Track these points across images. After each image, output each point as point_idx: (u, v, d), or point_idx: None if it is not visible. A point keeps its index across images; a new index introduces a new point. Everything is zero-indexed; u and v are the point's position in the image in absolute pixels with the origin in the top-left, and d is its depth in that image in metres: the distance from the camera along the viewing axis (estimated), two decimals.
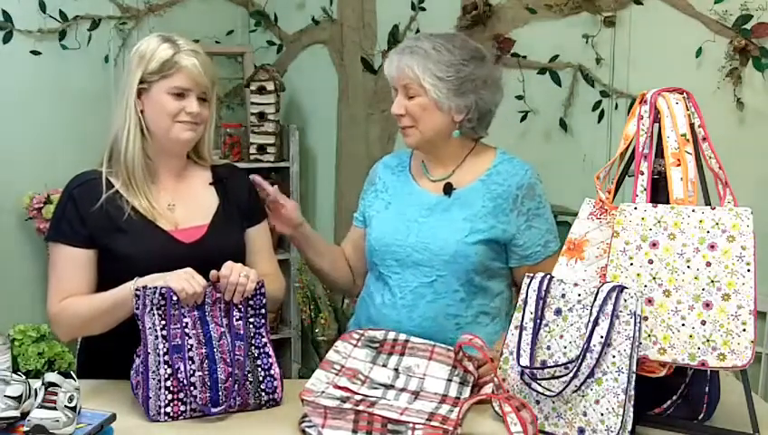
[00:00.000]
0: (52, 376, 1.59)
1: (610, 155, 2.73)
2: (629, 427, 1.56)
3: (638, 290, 1.62)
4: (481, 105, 1.98)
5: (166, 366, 1.72)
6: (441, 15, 3.17)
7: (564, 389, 1.60)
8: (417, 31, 3.25)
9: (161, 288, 1.73)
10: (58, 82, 3.43)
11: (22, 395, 1.60)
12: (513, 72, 3.09)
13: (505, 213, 1.99)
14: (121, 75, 1.97)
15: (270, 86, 3.59)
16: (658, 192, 1.72)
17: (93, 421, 1.60)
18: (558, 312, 1.67)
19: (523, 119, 3.09)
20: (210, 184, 2.03)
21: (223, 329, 1.78)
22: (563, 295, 1.67)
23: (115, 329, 1.85)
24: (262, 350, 1.81)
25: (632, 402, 1.56)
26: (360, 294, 2.19)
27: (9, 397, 1.58)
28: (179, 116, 1.89)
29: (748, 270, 1.58)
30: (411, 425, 1.57)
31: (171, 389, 1.72)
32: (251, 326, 1.81)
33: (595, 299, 1.61)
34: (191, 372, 1.73)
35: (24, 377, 1.65)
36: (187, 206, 1.98)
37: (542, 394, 1.63)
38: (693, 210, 1.64)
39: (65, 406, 1.56)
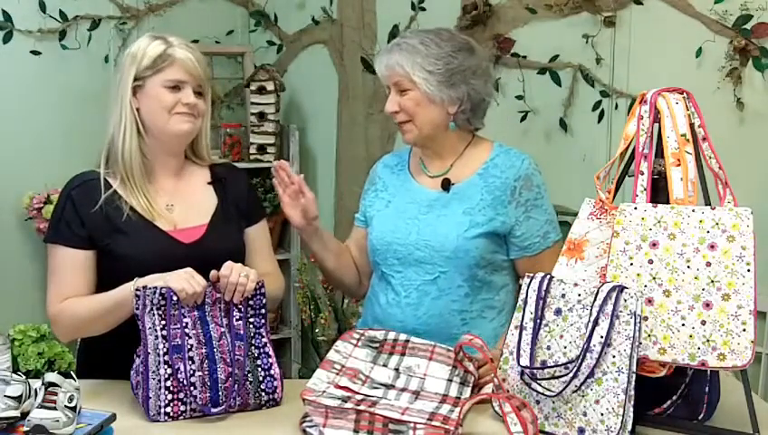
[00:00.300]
0: (52, 376, 1.59)
1: (610, 155, 2.73)
2: (629, 427, 1.56)
3: (638, 290, 1.62)
4: (473, 95, 1.99)
5: (166, 366, 1.72)
6: (441, 15, 3.16)
7: (564, 389, 1.60)
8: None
9: (161, 288, 1.73)
10: (58, 82, 3.43)
11: (22, 395, 1.60)
12: (513, 72, 3.10)
13: (504, 205, 1.99)
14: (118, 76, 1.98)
15: (270, 86, 3.59)
16: (658, 192, 1.72)
17: (93, 421, 1.60)
18: (558, 312, 1.66)
19: (523, 119, 3.09)
20: (209, 184, 2.03)
21: (223, 329, 1.78)
22: (563, 295, 1.67)
23: (115, 329, 1.85)
24: (262, 350, 1.81)
25: (632, 402, 1.56)
26: (366, 295, 2.19)
27: (9, 397, 1.58)
28: (176, 108, 1.89)
29: (748, 270, 1.58)
30: (412, 425, 1.57)
31: (171, 389, 1.72)
32: (251, 326, 1.81)
33: (595, 299, 1.61)
34: (191, 372, 1.73)
35: (24, 377, 1.65)
36: (185, 206, 1.98)
37: (542, 394, 1.63)
38: (693, 210, 1.64)
39: (65, 406, 1.56)
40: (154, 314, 1.73)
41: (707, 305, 1.59)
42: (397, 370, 1.76)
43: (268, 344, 1.82)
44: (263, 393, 1.79)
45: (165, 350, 1.73)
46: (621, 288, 1.60)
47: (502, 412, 1.65)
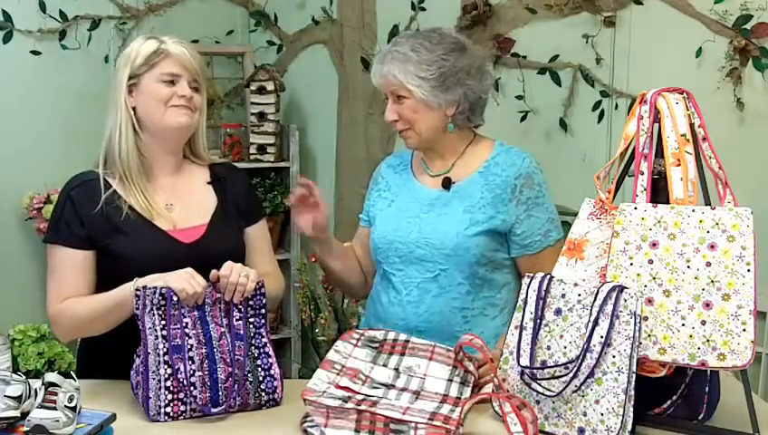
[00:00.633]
0: (52, 376, 1.59)
1: (610, 155, 2.73)
2: (629, 427, 1.56)
3: (638, 290, 1.62)
4: (470, 95, 1.99)
5: (166, 366, 1.72)
6: (441, 15, 3.16)
7: (564, 389, 1.60)
8: (417, 31, 3.25)
9: (161, 288, 1.73)
10: (58, 82, 3.43)
11: (22, 395, 1.60)
12: (513, 72, 3.10)
13: (504, 203, 1.99)
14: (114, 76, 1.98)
15: (270, 86, 3.59)
16: (658, 192, 1.72)
17: (93, 421, 1.60)
18: (558, 312, 1.67)
19: (523, 119, 3.09)
20: (208, 183, 2.03)
21: (223, 329, 1.78)
22: (563, 295, 1.67)
23: (115, 329, 1.85)
24: (262, 350, 1.81)
25: (632, 402, 1.56)
26: (368, 295, 2.20)
27: (9, 397, 1.58)
28: (172, 101, 1.89)
29: (748, 270, 1.58)
30: (413, 425, 1.57)
31: (171, 389, 1.72)
32: (251, 326, 1.81)
33: (595, 299, 1.61)
34: (191, 372, 1.73)
35: (24, 377, 1.65)
36: (185, 205, 1.98)
37: (542, 394, 1.63)
38: (693, 210, 1.64)
39: (65, 406, 1.56)
40: (154, 314, 1.73)
41: (707, 305, 1.59)
42: (397, 370, 1.75)
43: (268, 344, 1.82)
44: (263, 393, 1.79)
45: (165, 350, 1.72)
46: (621, 288, 1.60)
47: (502, 412, 1.65)
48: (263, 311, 1.82)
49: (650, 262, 1.65)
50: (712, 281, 1.59)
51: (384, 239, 2.06)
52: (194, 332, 1.76)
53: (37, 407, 1.55)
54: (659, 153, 1.72)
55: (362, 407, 1.60)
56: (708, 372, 1.68)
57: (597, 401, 1.58)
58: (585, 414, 1.59)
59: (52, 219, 1.96)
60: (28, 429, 1.52)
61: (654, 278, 1.64)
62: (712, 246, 1.61)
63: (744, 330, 1.55)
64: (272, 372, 1.80)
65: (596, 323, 1.59)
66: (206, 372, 1.74)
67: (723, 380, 1.75)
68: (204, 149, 2.05)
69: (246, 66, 3.77)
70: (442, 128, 2.01)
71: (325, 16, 3.66)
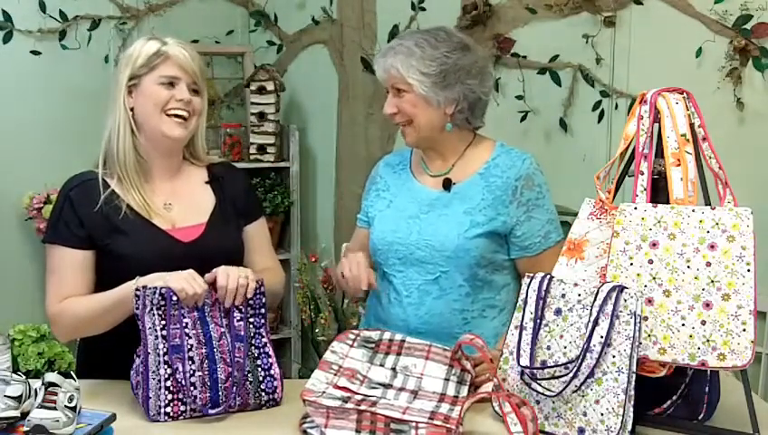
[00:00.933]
0: (52, 376, 1.59)
1: (610, 155, 2.73)
2: (629, 427, 1.56)
3: (638, 290, 1.62)
4: (469, 95, 1.99)
5: (166, 366, 1.72)
6: (441, 15, 3.16)
7: (564, 389, 1.60)
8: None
9: (161, 288, 1.73)
10: (58, 82, 3.43)
11: (22, 395, 1.60)
12: (513, 72, 3.10)
13: (505, 205, 1.99)
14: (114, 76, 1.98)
15: (270, 86, 3.59)
16: (658, 192, 1.72)
17: (93, 421, 1.60)
18: (558, 312, 1.66)
19: (523, 119, 3.09)
20: (206, 183, 2.03)
21: (223, 329, 1.78)
22: (563, 295, 1.67)
23: (115, 329, 1.85)
24: (262, 350, 1.81)
25: (632, 402, 1.56)
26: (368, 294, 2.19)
27: (9, 397, 1.58)
28: (170, 104, 1.89)
29: (748, 270, 1.57)
30: (414, 424, 1.57)
31: (171, 389, 1.71)
32: (251, 326, 1.81)
33: (595, 299, 1.61)
34: (191, 372, 1.72)
35: (24, 377, 1.65)
36: (183, 205, 1.98)
37: (542, 394, 1.63)
38: (693, 210, 1.64)
39: (65, 406, 1.56)
40: (154, 314, 1.73)
41: (707, 305, 1.58)
42: (394, 369, 1.75)
43: (268, 344, 1.82)
44: (263, 393, 1.79)
45: (165, 350, 1.72)
46: (621, 288, 1.60)
47: (502, 412, 1.65)
48: (262, 310, 1.82)
49: (650, 262, 1.65)
50: (712, 281, 1.59)
51: (383, 241, 2.06)
52: (194, 332, 1.76)
53: (37, 407, 1.55)
54: (659, 153, 1.72)
55: (362, 407, 1.61)
56: (708, 372, 1.68)
57: (597, 401, 1.57)
58: (585, 414, 1.59)
59: (50, 219, 1.96)
60: (28, 429, 1.52)
61: (654, 278, 1.64)
62: (712, 246, 1.61)
63: (744, 330, 1.55)
64: (272, 372, 1.80)
65: (596, 323, 1.59)
66: (206, 372, 1.74)
67: (723, 380, 1.75)
68: (203, 151, 2.05)
69: (246, 66, 3.77)
70: (440, 126, 2.01)
71: (325, 16, 3.66)
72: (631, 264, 1.67)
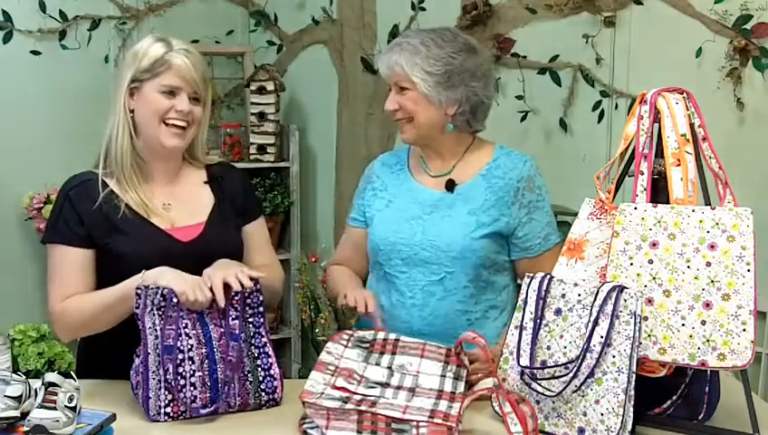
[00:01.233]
0: (52, 376, 1.59)
1: (610, 155, 2.73)
2: (629, 427, 1.56)
3: (638, 290, 1.62)
4: (472, 97, 1.99)
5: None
6: (441, 15, 3.17)
7: (564, 389, 1.60)
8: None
9: (163, 289, 1.73)
10: (58, 82, 3.43)
11: (22, 395, 1.60)
12: (513, 72, 3.10)
13: (507, 205, 2.00)
14: (118, 74, 1.98)
15: (270, 86, 3.59)
16: (658, 192, 1.72)
17: (93, 421, 1.60)
18: (558, 312, 1.66)
19: (523, 119, 3.09)
20: (205, 183, 2.03)
21: (222, 329, 1.78)
22: (563, 295, 1.67)
23: (115, 329, 1.85)
24: (262, 350, 1.81)
25: (632, 402, 1.56)
26: None
27: (9, 397, 1.58)
28: (169, 114, 1.89)
29: (748, 270, 1.58)
30: (415, 423, 1.57)
31: (171, 389, 1.71)
32: (250, 326, 1.81)
33: (595, 299, 1.61)
34: (191, 372, 1.72)
35: (24, 377, 1.65)
36: (182, 205, 1.98)
37: (542, 394, 1.63)
38: (693, 210, 1.64)
39: (65, 406, 1.56)
40: (154, 314, 1.73)
41: (707, 305, 1.59)
42: (390, 368, 1.76)
43: (268, 344, 1.82)
44: (263, 393, 1.79)
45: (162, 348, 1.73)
46: (621, 288, 1.60)
47: (502, 412, 1.65)
48: (261, 309, 1.82)
49: (650, 262, 1.65)
50: (712, 281, 1.59)
51: (386, 241, 2.05)
52: (194, 332, 1.76)
53: (37, 407, 1.55)
54: (659, 153, 1.72)
55: (362, 407, 1.61)
56: (708, 372, 1.68)
57: (597, 401, 1.57)
58: (585, 414, 1.59)
59: (50, 219, 1.95)
60: (28, 429, 1.52)
61: (654, 278, 1.64)
62: (712, 246, 1.61)
63: (744, 330, 1.55)
64: (272, 371, 1.80)
65: (596, 323, 1.59)
66: (206, 373, 1.74)
67: (723, 380, 1.75)
68: (202, 153, 2.05)
69: (246, 66, 3.77)
70: (441, 126, 2.01)
71: (325, 16, 3.66)
72: (631, 264, 1.67)
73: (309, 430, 1.64)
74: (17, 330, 3.25)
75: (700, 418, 1.70)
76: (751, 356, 1.55)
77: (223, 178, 2.05)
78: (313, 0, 3.68)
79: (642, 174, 1.73)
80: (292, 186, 3.70)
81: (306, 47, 3.79)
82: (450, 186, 2.03)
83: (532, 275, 1.73)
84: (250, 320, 1.81)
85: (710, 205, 1.66)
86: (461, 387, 1.72)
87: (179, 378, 1.72)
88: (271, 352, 1.82)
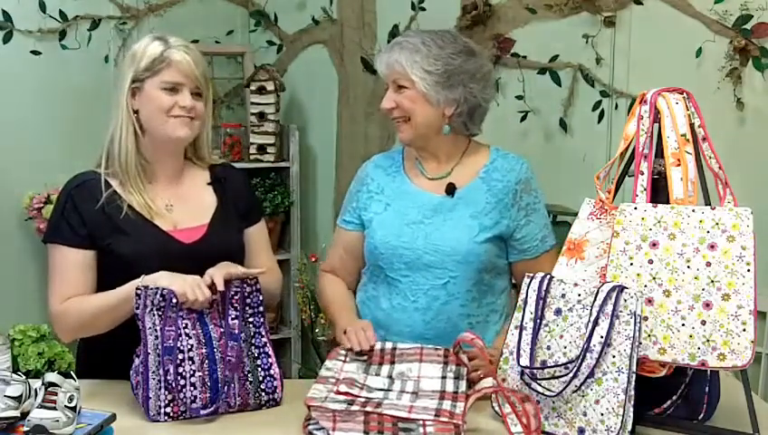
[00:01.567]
0: (52, 376, 1.59)
1: (610, 155, 2.73)
2: (629, 427, 1.56)
3: (638, 290, 1.62)
4: (470, 99, 1.98)
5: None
6: (441, 15, 3.16)
7: (564, 389, 1.60)
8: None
9: (163, 289, 1.73)
10: (58, 82, 3.42)
11: (22, 395, 1.60)
12: (513, 72, 3.09)
13: (507, 208, 2.00)
14: (118, 75, 1.98)
15: (270, 86, 3.59)
16: (658, 192, 1.72)
17: (93, 421, 1.60)
18: (558, 312, 1.66)
19: (523, 119, 3.09)
20: (208, 184, 2.03)
21: (222, 330, 1.78)
22: (563, 295, 1.67)
23: (115, 329, 1.85)
24: (262, 350, 1.81)
25: (632, 402, 1.56)
26: (358, 298, 2.15)
27: (9, 397, 1.58)
28: (173, 110, 1.89)
29: (748, 270, 1.58)
30: (422, 422, 1.57)
31: (171, 389, 1.71)
32: (250, 326, 1.81)
33: (595, 299, 1.61)
34: (191, 372, 1.73)
35: (24, 377, 1.65)
36: (185, 206, 1.98)
37: (542, 394, 1.63)
38: (693, 210, 1.64)
39: (65, 406, 1.56)
40: (154, 315, 1.73)
41: (707, 305, 1.59)
42: (390, 377, 1.76)
43: (268, 344, 1.82)
44: (263, 393, 1.79)
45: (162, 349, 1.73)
46: (621, 288, 1.60)
47: (502, 413, 1.66)
48: (260, 309, 1.82)
49: (650, 262, 1.65)
50: (712, 281, 1.59)
51: (387, 245, 2.02)
52: (194, 332, 1.76)
53: (37, 407, 1.55)
54: (659, 153, 1.72)
55: (368, 408, 1.61)
56: (708, 372, 1.68)
57: (597, 401, 1.57)
58: (585, 414, 1.59)
59: (52, 219, 1.95)
60: (28, 429, 1.52)
61: (654, 278, 1.64)
62: (712, 246, 1.61)
63: (744, 330, 1.55)
64: (272, 371, 1.80)
65: (596, 323, 1.59)
66: (206, 373, 1.74)
67: (723, 380, 1.75)
68: (207, 152, 2.04)
69: (246, 66, 3.77)
70: (437, 127, 2.00)
71: (325, 16, 3.66)
72: (631, 264, 1.67)
73: (314, 432, 1.64)
74: (17, 330, 3.25)
75: (700, 418, 1.70)
76: (751, 356, 1.55)
77: (226, 179, 2.05)
78: (313, 0, 3.68)
79: (642, 174, 1.73)
80: (292, 186, 3.70)
81: (306, 47, 3.79)
82: (451, 190, 2.03)
83: (532, 275, 1.73)
84: (250, 320, 1.81)
85: (710, 205, 1.66)
86: (463, 386, 1.73)
87: (179, 378, 1.72)
88: (271, 352, 1.82)
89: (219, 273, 1.79)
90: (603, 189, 1.81)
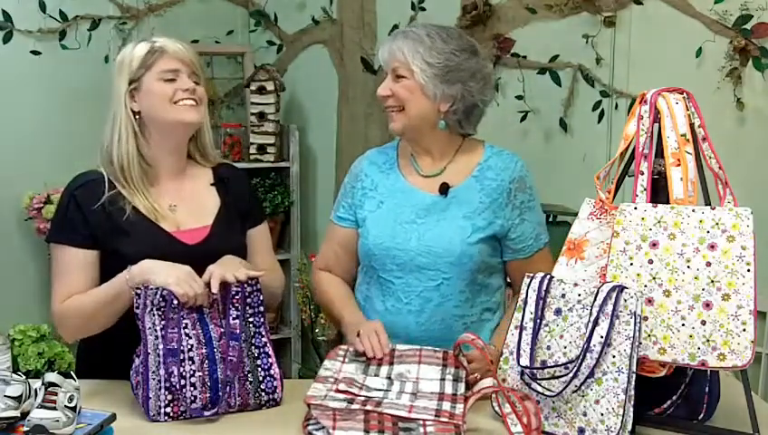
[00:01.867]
0: (52, 376, 1.59)
1: (610, 155, 2.73)
2: (629, 427, 1.56)
3: (638, 290, 1.62)
4: (467, 97, 1.97)
5: (165, 367, 1.72)
6: (441, 15, 3.16)
7: (564, 389, 1.60)
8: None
9: (162, 290, 1.73)
10: (58, 82, 3.43)
11: (22, 395, 1.60)
12: (513, 72, 3.10)
13: (501, 207, 1.99)
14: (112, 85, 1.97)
15: (270, 86, 3.59)
16: (658, 192, 1.72)
17: (93, 421, 1.60)
18: (558, 312, 1.66)
19: (523, 119, 3.09)
20: (211, 184, 2.03)
21: (222, 330, 1.78)
22: (563, 295, 1.67)
23: (115, 329, 1.85)
24: (262, 350, 1.81)
25: (632, 402, 1.56)
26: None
27: (9, 397, 1.58)
28: (176, 96, 1.89)
29: (748, 270, 1.58)
30: (422, 422, 1.57)
31: (171, 389, 1.71)
32: (250, 326, 1.81)
33: (595, 299, 1.61)
34: (191, 372, 1.72)
35: (24, 377, 1.65)
36: (188, 207, 1.97)
37: (542, 394, 1.63)
38: (693, 210, 1.64)
39: (65, 406, 1.56)
40: (154, 315, 1.73)
41: (707, 305, 1.59)
42: (389, 378, 1.76)
43: (268, 344, 1.82)
44: (263, 393, 1.79)
45: (164, 351, 1.72)
46: (621, 288, 1.60)
47: (501, 413, 1.66)
48: (261, 308, 1.82)
49: (650, 262, 1.65)
50: (712, 281, 1.59)
51: (380, 246, 2.01)
52: (194, 332, 1.76)
53: (37, 407, 1.55)
54: (659, 153, 1.72)
55: (368, 407, 1.61)
56: (708, 372, 1.68)
57: (597, 401, 1.57)
58: (585, 414, 1.59)
59: (55, 219, 1.95)
60: (28, 429, 1.52)
61: (654, 278, 1.64)
62: (712, 246, 1.61)
63: (744, 330, 1.55)
64: (272, 371, 1.80)
65: (596, 323, 1.59)
66: (206, 373, 1.74)
67: (723, 380, 1.75)
68: (211, 147, 2.04)
69: (246, 66, 3.77)
70: (431, 121, 1.99)
71: (325, 16, 3.66)
72: (631, 264, 1.67)
73: (314, 432, 1.63)
74: (17, 330, 3.26)
75: (700, 418, 1.70)
76: (751, 356, 1.55)
77: (229, 179, 2.05)
78: (313, 0, 3.69)
79: (642, 174, 1.73)
80: (292, 186, 3.71)
81: (306, 47, 3.79)
82: (444, 189, 2.01)
83: (532, 275, 1.73)
84: (250, 320, 1.81)
85: (710, 205, 1.66)
86: (461, 388, 1.73)
87: (179, 378, 1.72)
88: (271, 352, 1.82)
89: (218, 272, 1.78)
90: (603, 189, 1.81)
